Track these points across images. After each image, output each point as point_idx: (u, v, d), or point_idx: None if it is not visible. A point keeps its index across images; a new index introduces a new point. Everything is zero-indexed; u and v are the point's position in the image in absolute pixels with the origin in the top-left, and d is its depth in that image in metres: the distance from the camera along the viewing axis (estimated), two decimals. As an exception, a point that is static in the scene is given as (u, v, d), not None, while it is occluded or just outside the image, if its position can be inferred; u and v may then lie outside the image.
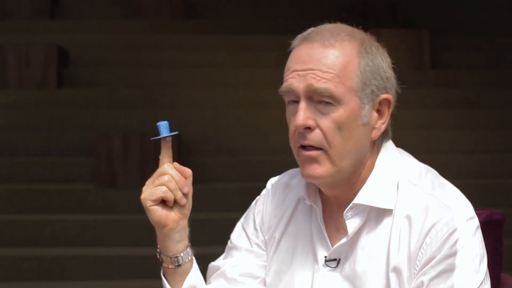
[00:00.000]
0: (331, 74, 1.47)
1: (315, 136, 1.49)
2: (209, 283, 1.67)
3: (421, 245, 1.47)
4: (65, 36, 7.84)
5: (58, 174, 6.18)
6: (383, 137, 1.58)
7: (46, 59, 7.17)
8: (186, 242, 1.54)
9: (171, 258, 1.53)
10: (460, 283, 1.44)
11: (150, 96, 7.11)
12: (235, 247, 1.69)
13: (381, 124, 1.54)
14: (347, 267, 1.52)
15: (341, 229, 1.56)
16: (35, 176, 6.17)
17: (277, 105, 6.76)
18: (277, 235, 1.65)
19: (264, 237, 1.67)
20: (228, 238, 1.73)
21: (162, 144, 1.51)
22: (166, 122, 1.51)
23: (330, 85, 1.46)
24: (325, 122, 1.48)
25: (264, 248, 1.66)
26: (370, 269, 1.50)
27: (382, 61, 1.53)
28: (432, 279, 1.45)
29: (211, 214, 5.53)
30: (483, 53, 8.13)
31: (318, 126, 1.48)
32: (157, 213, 1.49)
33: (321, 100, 1.48)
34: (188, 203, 1.51)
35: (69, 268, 5.14)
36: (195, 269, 1.56)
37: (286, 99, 1.53)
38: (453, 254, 1.45)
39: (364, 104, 1.50)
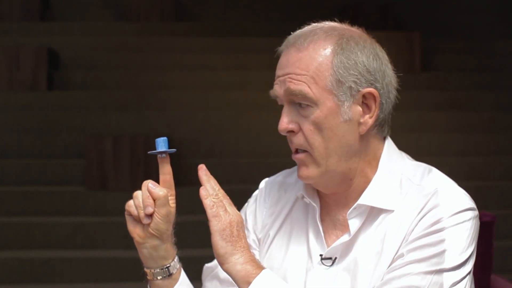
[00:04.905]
0: (305, 76, 1.50)
1: (297, 139, 1.53)
2: (205, 286, 1.68)
3: (414, 227, 1.49)
4: (56, 39, 7.83)
5: (49, 177, 6.16)
6: (381, 133, 1.58)
7: (37, 62, 7.16)
8: (159, 262, 1.55)
9: (144, 269, 1.57)
10: (434, 258, 1.44)
11: (142, 98, 7.11)
12: None
13: (369, 118, 1.54)
14: (343, 266, 1.53)
15: (338, 226, 1.58)
16: (26, 179, 6.15)
17: (269, 107, 6.77)
18: (271, 233, 1.66)
19: (257, 237, 1.69)
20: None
21: (158, 160, 1.52)
22: (164, 138, 1.51)
23: (304, 86, 1.49)
24: (306, 125, 1.51)
25: (256, 248, 1.68)
26: (367, 267, 1.51)
27: (362, 55, 1.52)
28: (410, 250, 1.46)
29: (203, 216, 5.51)
30: (473, 56, 8.16)
31: (300, 129, 1.52)
32: (128, 222, 1.53)
33: (300, 103, 1.51)
34: (156, 224, 1.50)
35: (61, 270, 5.13)
36: None
37: (278, 103, 1.57)
38: (438, 231, 1.46)
39: (342, 101, 1.51)
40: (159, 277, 1.55)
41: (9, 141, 6.53)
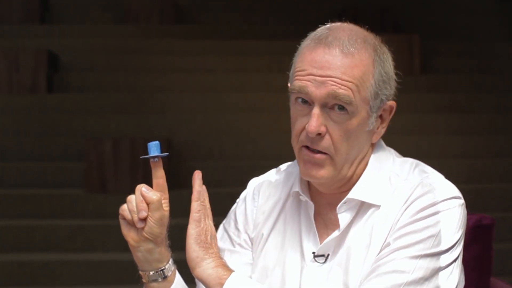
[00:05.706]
0: (351, 83, 1.48)
1: (324, 143, 1.51)
2: (198, 286, 1.68)
3: (400, 217, 1.50)
4: (56, 41, 7.83)
5: (48, 179, 6.16)
6: None
7: (37, 64, 7.16)
8: (153, 265, 1.56)
9: (139, 272, 1.59)
10: (420, 244, 1.46)
11: (141, 101, 7.10)
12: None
13: (382, 128, 1.58)
14: (335, 262, 1.54)
15: (329, 225, 1.59)
16: (26, 181, 6.15)
17: (268, 110, 6.79)
18: (265, 232, 1.66)
19: (249, 236, 1.69)
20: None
21: (151, 164, 1.53)
22: (156, 142, 1.51)
23: (351, 93, 1.48)
24: (336, 130, 1.50)
25: (247, 247, 1.68)
26: (358, 260, 1.52)
27: (391, 67, 1.56)
28: (396, 238, 1.48)
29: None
30: (473, 58, 8.15)
31: (328, 132, 1.51)
32: (122, 226, 1.55)
33: (334, 107, 1.49)
34: (150, 228, 1.52)
35: (60, 273, 5.12)
36: None
37: (294, 96, 1.53)
38: (423, 218, 1.48)
39: (372, 113, 1.53)
40: (154, 280, 1.57)
41: (9, 144, 6.52)
